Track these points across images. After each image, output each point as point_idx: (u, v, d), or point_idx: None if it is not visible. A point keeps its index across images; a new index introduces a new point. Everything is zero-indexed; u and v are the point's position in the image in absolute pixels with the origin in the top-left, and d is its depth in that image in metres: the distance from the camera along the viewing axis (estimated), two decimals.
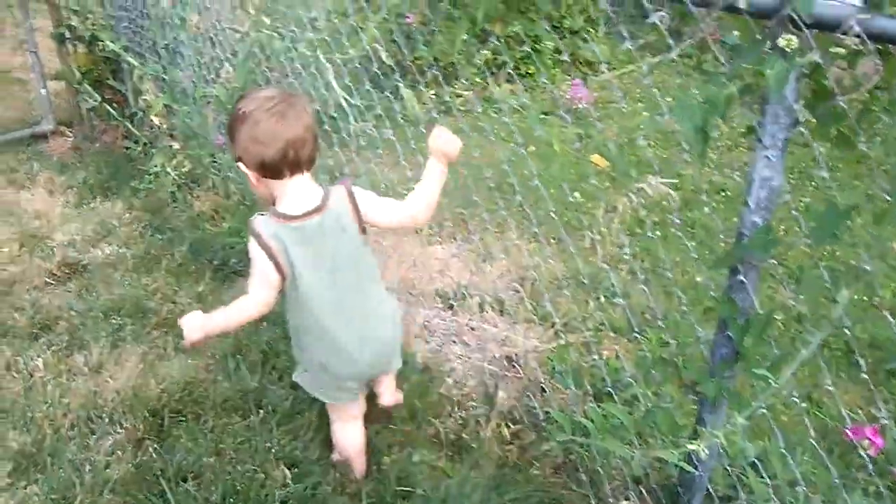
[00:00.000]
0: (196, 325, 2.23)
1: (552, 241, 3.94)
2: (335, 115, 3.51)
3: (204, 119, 4.24)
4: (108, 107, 5.05)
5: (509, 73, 5.53)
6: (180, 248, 3.90)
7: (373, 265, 2.37)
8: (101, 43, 4.99)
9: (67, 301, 3.55)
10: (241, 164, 2.18)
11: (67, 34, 5.18)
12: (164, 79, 4.62)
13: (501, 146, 4.44)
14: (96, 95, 5.02)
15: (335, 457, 2.68)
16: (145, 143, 4.94)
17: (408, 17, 5.60)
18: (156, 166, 4.68)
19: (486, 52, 6.02)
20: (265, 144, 2.09)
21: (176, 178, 4.52)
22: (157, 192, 4.54)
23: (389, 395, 2.67)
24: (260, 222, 2.19)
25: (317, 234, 2.19)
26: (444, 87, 5.47)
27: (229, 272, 3.76)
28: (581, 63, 6.94)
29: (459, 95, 6.07)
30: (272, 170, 2.13)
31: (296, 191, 2.19)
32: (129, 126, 5.03)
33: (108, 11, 5.08)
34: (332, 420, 2.62)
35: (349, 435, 2.61)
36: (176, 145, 4.71)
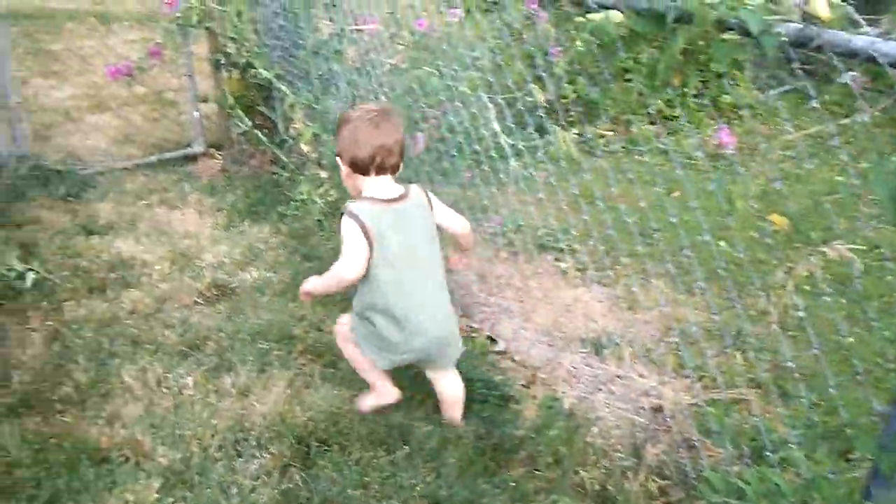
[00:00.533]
0: (308, 285, 2.90)
1: (700, 291, 3.84)
2: (493, 154, 3.50)
3: None
4: (258, 132, 5.16)
5: (665, 116, 5.47)
6: None
7: (440, 253, 2.79)
8: (254, 70, 5.12)
9: (216, 322, 3.61)
10: (339, 158, 2.72)
11: (223, 60, 5.33)
12: (314, 108, 4.70)
13: (648, 188, 4.36)
14: (247, 121, 5.14)
15: (361, 403, 3.06)
16: (293, 170, 5.03)
17: (553, 53, 5.59)
18: (302, 193, 4.76)
19: (659, 101, 5.96)
20: (359, 146, 2.61)
21: (322, 206, 4.58)
22: (303, 219, 4.61)
23: (455, 409, 3.00)
24: (356, 206, 2.64)
25: (406, 216, 2.67)
26: (590, 126, 5.45)
27: None
28: (724, 108, 6.82)
29: (603, 136, 6.03)
30: (361, 167, 2.65)
31: (378, 185, 2.68)
32: (278, 152, 5.13)
33: (263, 40, 5.21)
34: (354, 360, 3.00)
35: (390, 391, 3.01)
36: (323, 174, 4.78)
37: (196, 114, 5.66)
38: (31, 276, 3.87)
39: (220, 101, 5.38)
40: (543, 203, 3.72)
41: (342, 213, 2.67)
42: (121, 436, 2.91)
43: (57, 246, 4.33)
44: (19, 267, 3.88)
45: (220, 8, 5.14)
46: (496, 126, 3.36)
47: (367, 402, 3.03)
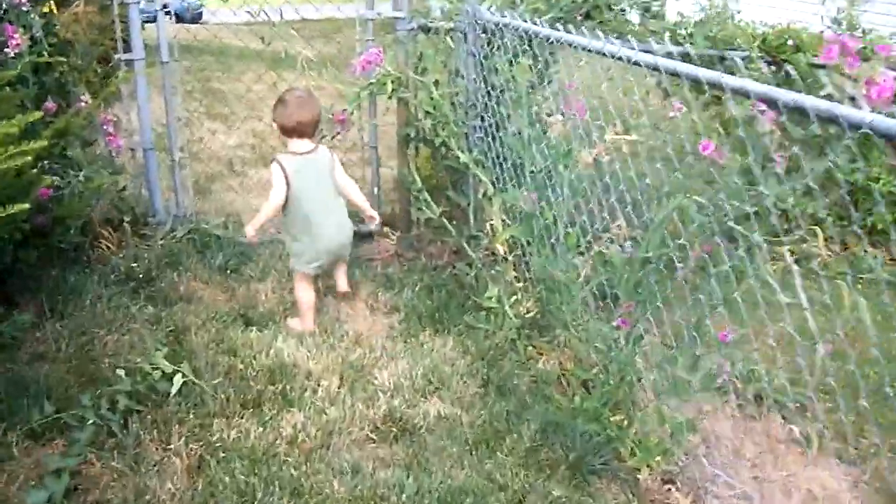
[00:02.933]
0: (250, 229, 3.82)
1: None
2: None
3: (571, 269, 3.55)
4: (446, 222, 4.48)
5: None
6: (527, 420, 3.22)
7: (338, 192, 3.90)
8: (448, 150, 4.48)
9: (395, 475, 2.90)
10: (274, 124, 3.85)
11: (413, 135, 4.71)
12: (520, 208, 4.00)
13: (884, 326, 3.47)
14: (435, 208, 4.47)
15: (290, 323, 4.01)
16: (479, 268, 4.34)
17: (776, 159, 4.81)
18: (491, 299, 4.07)
19: None
20: (285, 118, 3.77)
21: (515, 320, 3.88)
22: (494, 335, 3.90)
23: (343, 284, 4.16)
24: (281, 156, 3.78)
25: (312, 164, 3.81)
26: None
27: (588, 472, 3.02)
28: None
29: (818, 255, 5.17)
30: (286, 132, 3.80)
31: (297, 144, 3.81)
32: (466, 247, 4.43)
33: (462, 117, 4.56)
34: (296, 285, 3.97)
35: (307, 293, 3.95)
36: (518, 281, 4.10)
37: (375, 190, 5.04)
38: (178, 380, 3.25)
39: (405, 180, 4.73)
40: (761, 340, 2.91)
41: (272, 161, 3.82)
42: None
43: (210, 337, 3.73)
44: (166, 367, 3.27)
45: (417, 77, 4.52)
46: (765, 266, 2.61)
47: (293, 325, 4.00)
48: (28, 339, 3.63)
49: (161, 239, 4.70)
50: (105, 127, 4.48)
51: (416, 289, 4.39)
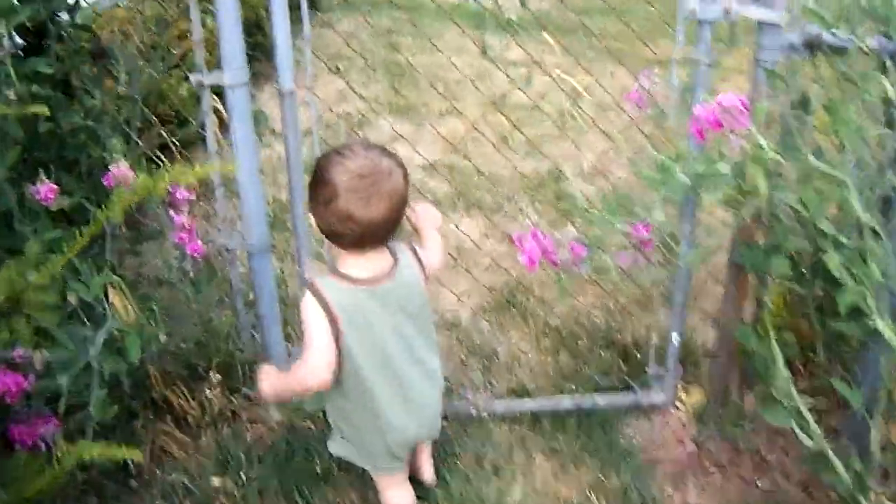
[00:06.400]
0: (269, 387, 2.09)
1: None
2: None
3: None
4: (832, 455, 2.16)
5: None
6: None
7: (432, 323, 2.13)
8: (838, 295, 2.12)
9: None
10: (311, 219, 1.99)
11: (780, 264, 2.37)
12: None
13: None
14: (822, 441, 2.13)
15: None
16: None
17: None
18: None
19: None
20: (340, 223, 1.90)
21: None
22: None
23: (428, 472, 2.43)
24: (325, 283, 1.96)
25: (393, 300, 1.99)
26: None
27: None
28: None
29: None
30: (341, 244, 1.97)
31: (356, 263, 1.98)
32: (862, 479, 2.09)
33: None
34: (381, 490, 2.30)
35: (403, 498, 2.30)
36: None
37: (676, 338, 2.73)
38: None
39: (742, 332, 2.38)
40: None
41: (305, 288, 1.98)
42: None
43: None
44: None
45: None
46: None
47: None
48: None
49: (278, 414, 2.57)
50: (174, 216, 2.28)
51: None
